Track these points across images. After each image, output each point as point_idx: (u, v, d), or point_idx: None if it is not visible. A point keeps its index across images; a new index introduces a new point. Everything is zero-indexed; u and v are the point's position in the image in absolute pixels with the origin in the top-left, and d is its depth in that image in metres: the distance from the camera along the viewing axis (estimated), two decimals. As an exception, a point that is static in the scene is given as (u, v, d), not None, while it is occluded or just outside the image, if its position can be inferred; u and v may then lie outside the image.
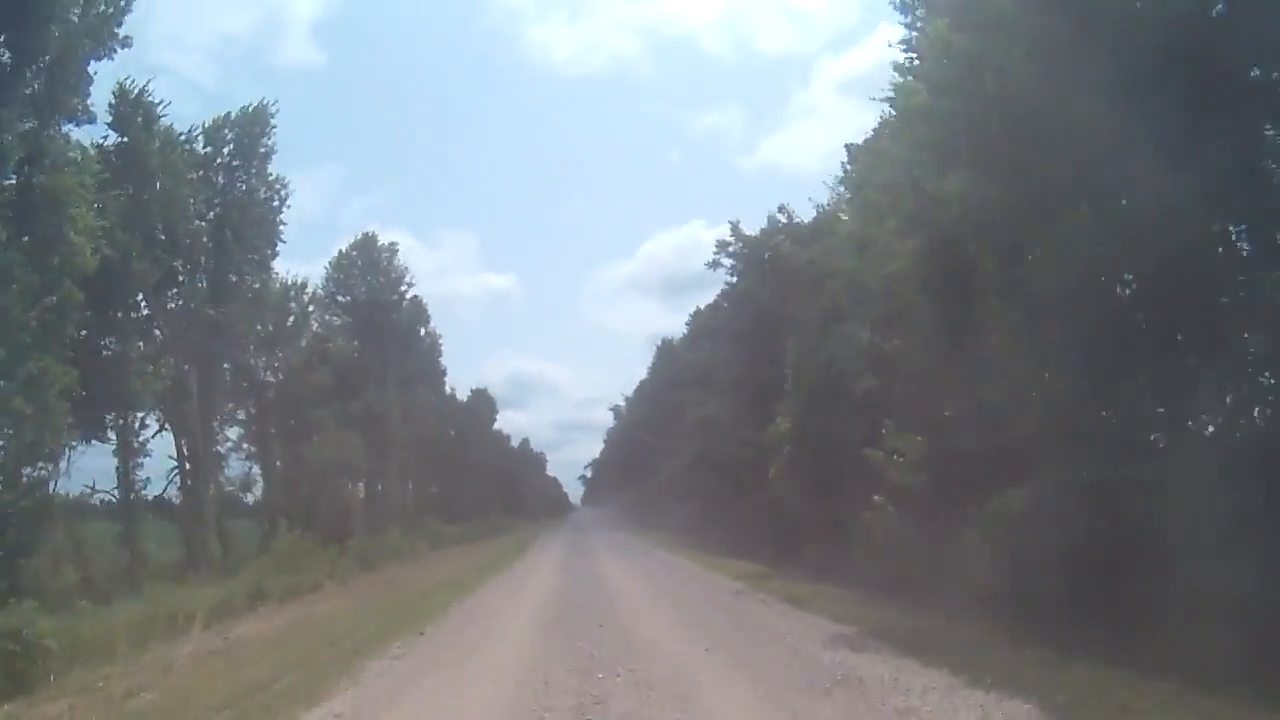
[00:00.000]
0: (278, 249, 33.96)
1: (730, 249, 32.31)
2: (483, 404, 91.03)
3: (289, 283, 35.36)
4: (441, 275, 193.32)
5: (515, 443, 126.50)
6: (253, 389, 33.78)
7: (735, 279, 32.61)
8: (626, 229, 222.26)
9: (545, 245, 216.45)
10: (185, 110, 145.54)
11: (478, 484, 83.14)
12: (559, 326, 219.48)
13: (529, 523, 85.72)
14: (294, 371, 36.25)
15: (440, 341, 64.86)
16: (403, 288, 50.50)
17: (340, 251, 48.80)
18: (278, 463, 33.83)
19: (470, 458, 77.91)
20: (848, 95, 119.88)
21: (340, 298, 48.46)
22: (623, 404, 67.37)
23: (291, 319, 35.86)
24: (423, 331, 59.03)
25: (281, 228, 34.02)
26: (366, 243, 49.45)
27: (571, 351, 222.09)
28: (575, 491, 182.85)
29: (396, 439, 47.56)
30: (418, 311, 57.56)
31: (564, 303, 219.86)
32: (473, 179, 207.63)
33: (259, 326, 33.85)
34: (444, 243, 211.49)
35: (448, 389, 69.65)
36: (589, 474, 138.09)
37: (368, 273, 49.21)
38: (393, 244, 50.34)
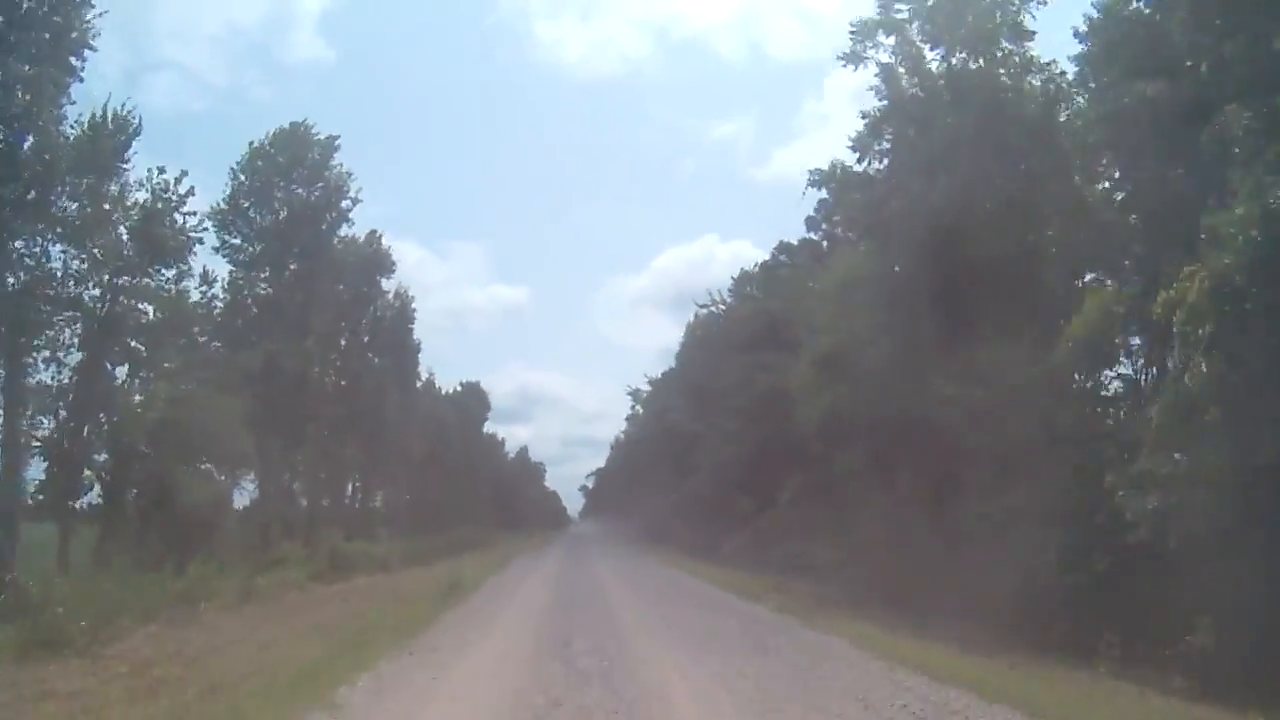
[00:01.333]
0: (80, 61, 19.59)
1: (875, 38, 17.05)
2: (473, 400, 76.03)
3: (109, 116, 20.32)
4: (450, 286, 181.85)
5: (515, 452, 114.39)
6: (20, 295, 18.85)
7: (887, 93, 17.21)
8: (638, 242, 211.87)
9: (555, 257, 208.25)
10: (192, 106, 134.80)
11: (463, 490, 68.31)
12: (567, 340, 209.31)
13: (517, 537, 69.95)
14: (116, 282, 21.31)
15: (413, 308, 50.19)
16: (345, 203, 35.27)
17: (252, 145, 33.83)
18: (45, 421, 18.87)
19: (454, 460, 63.01)
20: (860, 105, 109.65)
21: (253, 214, 33.54)
22: (646, 387, 52.46)
23: (114, 188, 20.84)
24: (388, 289, 44.24)
25: (90, 23, 19.63)
26: (294, 135, 34.43)
27: (579, 366, 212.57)
28: (575, 505, 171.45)
29: (314, 415, 32.54)
30: (377, 258, 42.66)
31: (573, 316, 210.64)
32: (482, 187, 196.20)
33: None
34: (454, 254, 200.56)
35: (424, 374, 55.11)
36: (590, 484, 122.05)
37: (291, 178, 34.20)
38: (332, 137, 35.19)
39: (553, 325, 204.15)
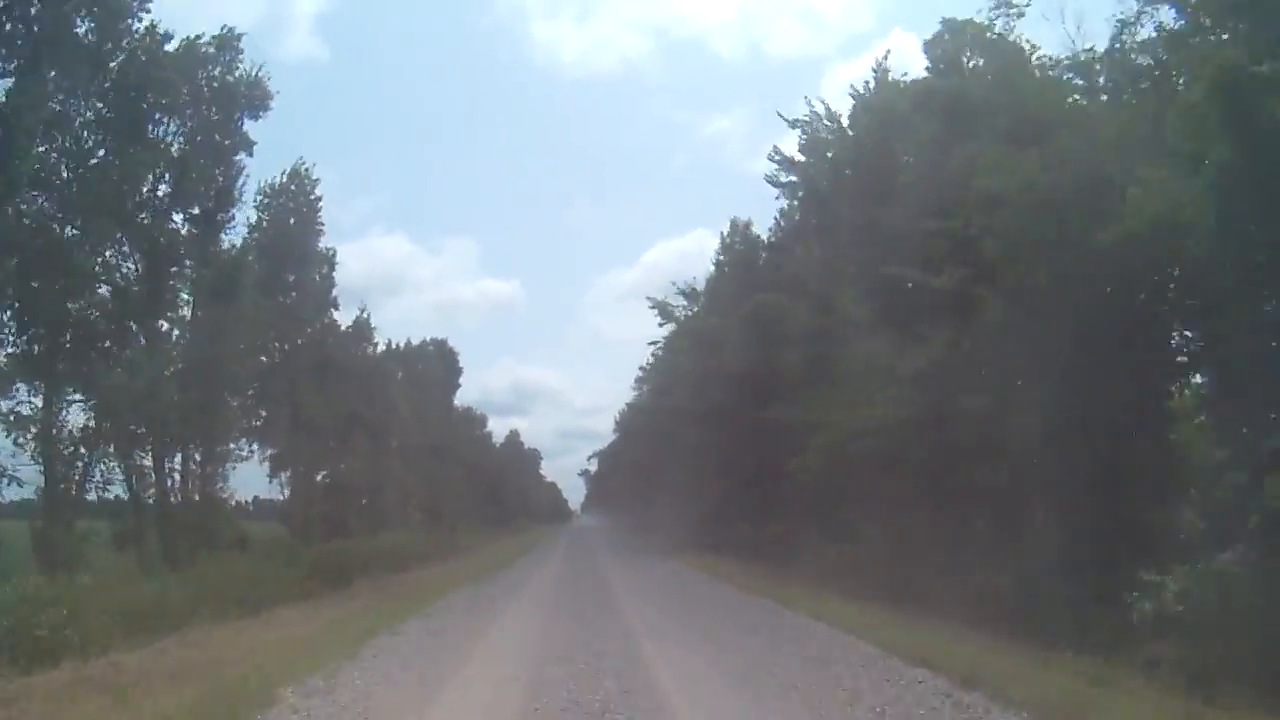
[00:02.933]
0: None
1: None
2: (438, 362, 58.33)
3: None
4: (441, 281, 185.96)
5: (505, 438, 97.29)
6: None
7: None
8: (630, 236, 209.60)
9: (547, 251, 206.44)
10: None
11: (426, 477, 51.18)
12: (559, 334, 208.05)
13: (494, 539, 51.95)
14: None
15: (317, 197, 32.99)
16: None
17: None
18: None
19: (406, 435, 45.66)
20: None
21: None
22: (680, 300, 34.61)
23: None
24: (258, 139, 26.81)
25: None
26: None
27: (572, 360, 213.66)
28: (575, 497, 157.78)
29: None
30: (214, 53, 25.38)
31: (565, 310, 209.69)
32: (475, 181, 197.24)
33: None
34: (445, 249, 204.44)
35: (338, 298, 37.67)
36: (594, 467, 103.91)
37: None
38: None
39: (544, 319, 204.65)
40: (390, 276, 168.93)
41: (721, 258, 37.43)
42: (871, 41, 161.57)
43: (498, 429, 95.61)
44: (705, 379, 28.61)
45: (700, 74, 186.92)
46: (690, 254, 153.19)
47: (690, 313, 32.94)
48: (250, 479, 46.05)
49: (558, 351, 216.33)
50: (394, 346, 50.08)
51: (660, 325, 34.03)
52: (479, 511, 70.18)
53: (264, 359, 29.76)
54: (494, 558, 32.35)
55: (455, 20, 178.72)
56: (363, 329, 41.22)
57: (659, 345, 35.87)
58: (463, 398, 73.30)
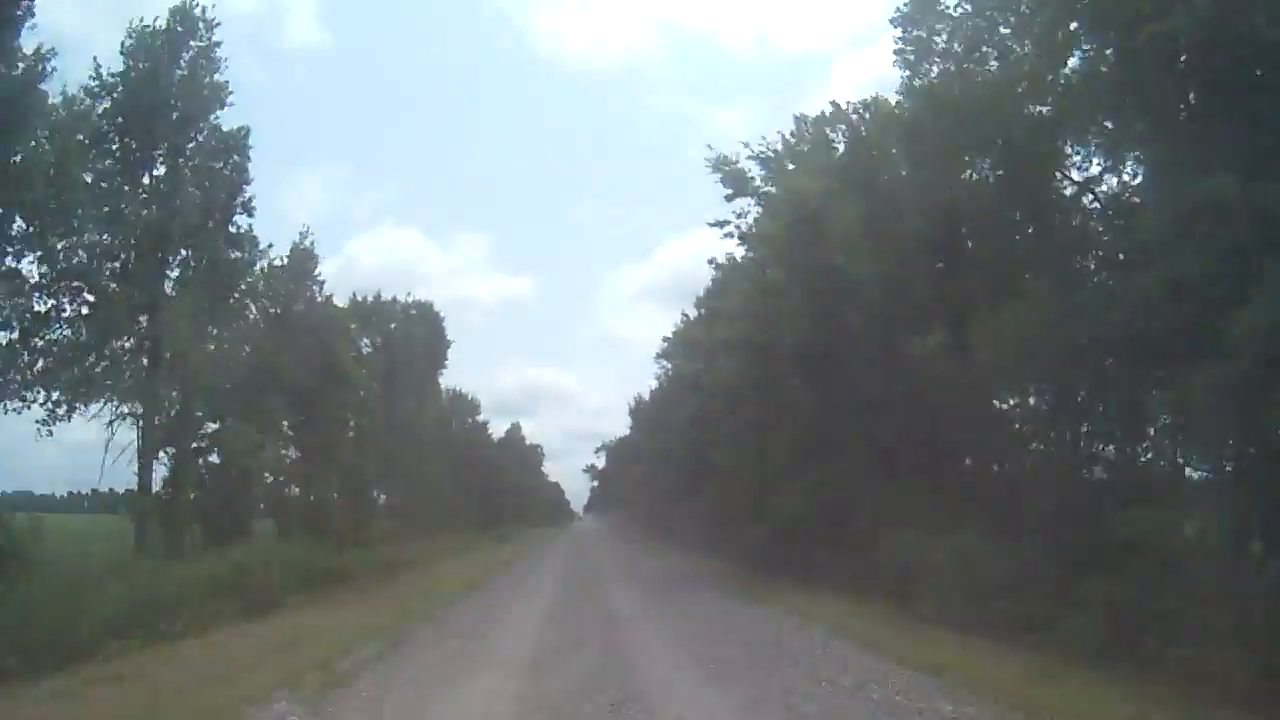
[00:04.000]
0: None
1: None
2: (424, 328, 47.67)
3: None
4: (453, 277, 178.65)
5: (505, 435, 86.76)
6: None
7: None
8: (642, 232, 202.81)
9: (559, 247, 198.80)
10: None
11: (404, 468, 40.92)
12: (570, 333, 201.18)
13: (463, 555, 40.47)
14: None
15: (215, 40, 22.58)
16: None
17: None
18: None
19: (352, 404, 35.18)
20: (864, 95, 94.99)
21: None
22: (757, 170, 23.18)
23: None
24: None
25: None
26: None
27: (581, 359, 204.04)
28: (579, 500, 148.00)
29: None
30: None
31: (576, 308, 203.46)
32: (484, 176, 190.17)
33: None
34: (456, 244, 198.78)
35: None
36: (601, 463, 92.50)
37: None
38: None
39: (555, 317, 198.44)
40: (402, 271, 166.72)
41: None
42: (878, 33, 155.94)
43: (505, 429, 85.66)
44: (820, 282, 17.16)
45: (708, 66, 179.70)
46: (703, 253, 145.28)
47: (770, 188, 21.69)
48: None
49: (567, 351, 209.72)
50: (359, 299, 40.06)
51: (729, 199, 22.37)
52: (469, 512, 59.80)
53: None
54: (419, 596, 18.08)
55: (461, 6, 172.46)
56: (303, 264, 30.79)
57: (729, 229, 23.13)
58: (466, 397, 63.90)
